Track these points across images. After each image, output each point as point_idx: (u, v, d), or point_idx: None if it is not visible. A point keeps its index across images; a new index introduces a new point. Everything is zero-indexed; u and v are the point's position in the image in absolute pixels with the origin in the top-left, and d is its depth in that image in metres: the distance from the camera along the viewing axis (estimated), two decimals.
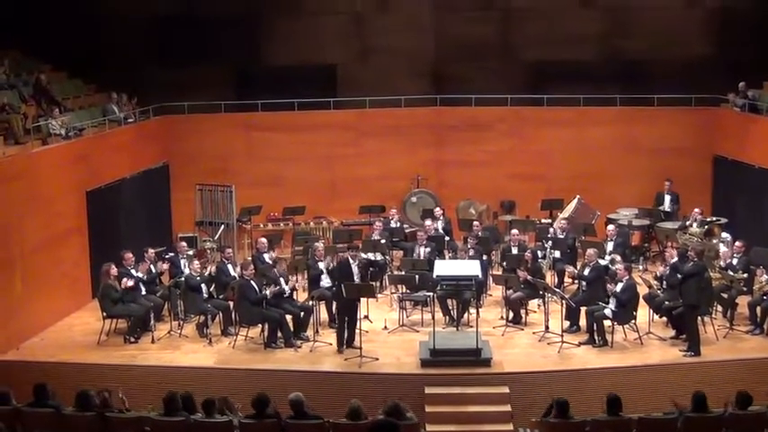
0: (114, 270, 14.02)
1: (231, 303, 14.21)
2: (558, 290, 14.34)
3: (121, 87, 18.39)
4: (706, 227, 16.32)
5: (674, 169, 18.64)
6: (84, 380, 11.97)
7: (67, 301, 15.30)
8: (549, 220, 17.65)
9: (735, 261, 14.43)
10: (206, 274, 14.37)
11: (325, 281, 14.26)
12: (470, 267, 14.17)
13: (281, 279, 13.98)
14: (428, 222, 16.63)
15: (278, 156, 19.29)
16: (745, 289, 14.15)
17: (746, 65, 18.59)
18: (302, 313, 13.93)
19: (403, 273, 15.33)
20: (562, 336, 13.45)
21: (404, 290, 15.11)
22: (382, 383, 12.28)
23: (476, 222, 16.70)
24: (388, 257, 16.33)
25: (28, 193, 14.23)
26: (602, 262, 14.52)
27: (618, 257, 14.73)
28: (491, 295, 15.80)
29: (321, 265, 14.39)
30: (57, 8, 18.77)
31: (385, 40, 20.09)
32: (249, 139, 19.56)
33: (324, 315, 14.37)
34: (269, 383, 11.80)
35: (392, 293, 15.68)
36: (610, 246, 15.46)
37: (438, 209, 17.62)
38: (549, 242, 15.98)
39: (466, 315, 14.27)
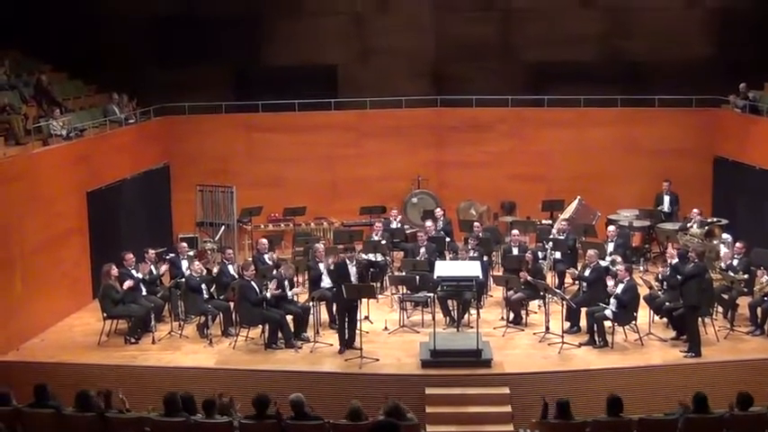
0: (115, 271, 14.02)
1: (232, 304, 14.21)
2: (558, 291, 14.34)
3: (122, 88, 18.40)
4: (706, 228, 16.33)
5: (674, 170, 18.64)
6: (85, 380, 11.96)
7: (68, 302, 15.30)
8: (550, 221, 17.64)
9: (735, 262, 14.43)
10: (205, 273, 14.36)
11: (326, 281, 14.25)
12: (471, 268, 14.16)
13: (286, 282, 14.00)
14: (429, 223, 16.62)
15: (278, 156, 19.30)
16: (745, 290, 14.16)
17: (747, 65, 18.59)
18: (302, 312, 13.92)
19: (403, 273, 15.32)
20: (563, 337, 13.45)
21: (404, 291, 15.11)
22: (383, 384, 12.26)
23: (476, 223, 16.70)
24: (388, 258, 16.32)
25: (28, 193, 14.23)
26: (603, 263, 14.52)
27: (618, 258, 14.73)
28: (492, 296, 15.80)
29: (321, 266, 14.39)
30: (57, 8, 18.77)
31: (385, 41, 20.09)
32: (250, 139, 19.56)
33: (324, 315, 14.37)
34: (269, 384, 11.80)
35: (393, 294, 15.68)
36: (610, 247, 15.46)
37: (439, 210, 17.62)
38: (550, 243, 15.97)
39: (466, 316, 14.27)
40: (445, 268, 14.29)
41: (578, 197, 17.56)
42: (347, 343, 13.34)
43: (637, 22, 19.91)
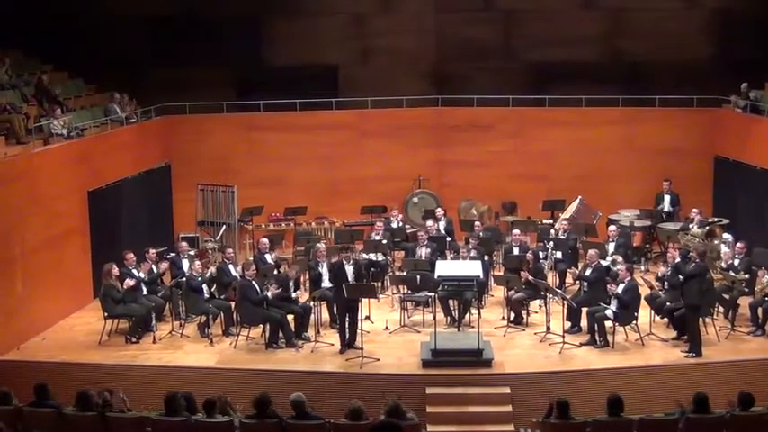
0: (116, 270, 14.02)
1: (232, 303, 14.21)
2: (559, 290, 14.34)
3: (123, 87, 18.40)
4: (707, 228, 16.32)
5: (675, 170, 18.64)
6: (85, 380, 11.98)
7: (69, 301, 15.30)
8: (551, 221, 17.64)
9: (736, 262, 14.43)
10: (207, 275, 14.36)
11: (327, 281, 14.25)
12: (472, 268, 14.17)
13: (291, 282, 14.00)
14: (429, 223, 16.63)
15: (279, 156, 19.30)
16: (746, 290, 14.15)
17: (747, 65, 18.58)
18: (303, 312, 13.92)
19: (404, 273, 15.32)
20: (563, 336, 13.44)
21: (405, 290, 15.10)
22: (383, 384, 12.25)
23: (477, 223, 16.72)
24: (389, 258, 16.32)
25: (29, 193, 14.24)
26: (604, 263, 14.53)
27: (619, 258, 14.73)
28: (492, 296, 15.80)
29: (322, 266, 14.38)
30: (57, 8, 18.77)
31: (386, 41, 20.10)
32: (251, 139, 19.57)
33: (325, 315, 14.37)
34: (270, 384, 11.78)
35: (393, 294, 15.69)
36: (611, 246, 15.45)
37: (439, 209, 17.62)
38: (551, 243, 15.97)
39: (467, 315, 14.26)
40: (446, 268, 14.29)
41: (579, 197, 17.56)
42: (348, 343, 13.34)
43: (637, 22, 19.90)
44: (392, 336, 14.14)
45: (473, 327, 13.64)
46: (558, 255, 15.79)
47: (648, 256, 17.64)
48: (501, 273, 15.55)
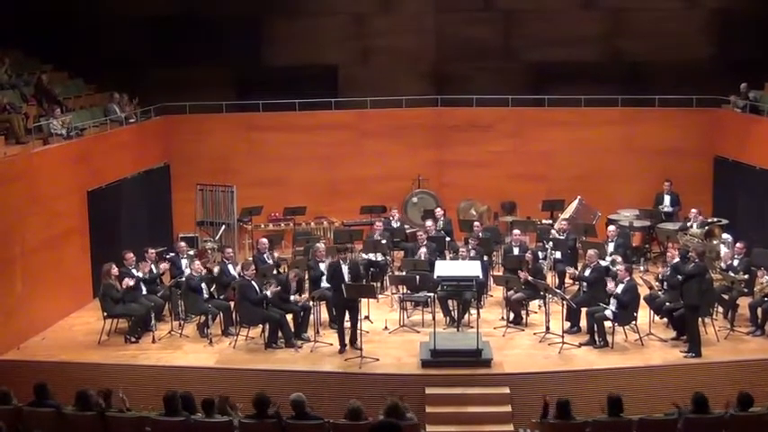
0: (115, 270, 14.03)
1: (232, 303, 14.22)
2: (558, 291, 14.34)
3: (122, 87, 18.39)
4: (706, 228, 16.32)
5: (674, 170, 18.64)
6: (85, 379, 11.96)
7: (68, 301, 15.30)
8: (550, 221, 17.64)
9: (736, 262, 14.43)
10: (214, 271, 14.36)
11: (326, 281, 14.25)
12: (471, 268, 14.16)
13: (294, 284, 13.99)
14: (429, 223, 16.63)
15: (279, 156, 19.30)
16: (746, 290, 14.15)
17: (747, 65, 18.59)
18: (302, 312, 13.93)
19: (404, 273, 15.32)
20: (563, 337, 13.45)
21: (405, 290, 15.10)
22: (383, 384, 12.25)
23: (476, 223, 16.71)
24: (388, 258, 16.32)
25: (29, 192, 14.23)
26: (603, 263, 14.52)
27: (619, 258, 14.73)
28: (492, 296, 15.80)
29: (322, 266, 14.38)
30: (57, 8, 18.77)
31: (386, 41, 20.10)
32: (250, 139, 19.56)
33: (324, 315, 14.36)
34: (269, 384, 11.78)
35: (393, 294, 15.68)
36: (611, 247, 15.45)
37: (439, 209, 17.62)
38: (550, 243, 15.97)
39: (466, 316, 14.27)
40: (445, 268, 14.28)
41: (578, 197, 17.55)
42: (351, 342, 13.33)
43: (637, 22, 19.90)
44: (391, 336, 14.14)
45: (472, 327, 13.65)
46: (558, 255, 15.79)
47: (648, 256, 17.64)
48: (500, 273, 15.55)
